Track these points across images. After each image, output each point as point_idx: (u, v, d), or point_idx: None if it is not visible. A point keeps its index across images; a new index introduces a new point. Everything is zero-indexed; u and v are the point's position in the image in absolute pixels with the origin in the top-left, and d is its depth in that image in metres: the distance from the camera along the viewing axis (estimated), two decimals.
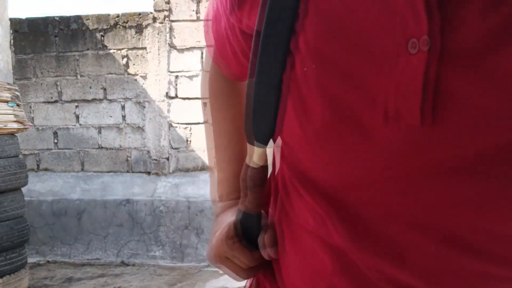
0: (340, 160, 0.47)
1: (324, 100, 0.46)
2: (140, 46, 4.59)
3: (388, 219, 0.45)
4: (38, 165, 4.81)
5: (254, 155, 0.62)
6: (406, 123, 0.41)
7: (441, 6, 0.38)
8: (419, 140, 0.41)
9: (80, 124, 4.72)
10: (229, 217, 0.70)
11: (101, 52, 4.65)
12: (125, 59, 4.61)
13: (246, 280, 0.72)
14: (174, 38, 4.52)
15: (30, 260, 4.22)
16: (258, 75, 0.51)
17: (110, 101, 4.66)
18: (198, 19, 4.49)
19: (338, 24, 0.44)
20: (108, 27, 4.63)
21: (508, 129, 0.38)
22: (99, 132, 4.69)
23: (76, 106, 4.72)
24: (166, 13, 4.52)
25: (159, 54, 4.55)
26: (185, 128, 4.56)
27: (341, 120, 0.45)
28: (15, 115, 3.25)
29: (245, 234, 0.66)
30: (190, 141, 4.56)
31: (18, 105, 3.31)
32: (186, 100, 4.54)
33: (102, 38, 4.64)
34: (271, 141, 0.60)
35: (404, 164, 0.43)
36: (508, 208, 0.40)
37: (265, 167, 0.63)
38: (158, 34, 4.54)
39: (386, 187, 0.44)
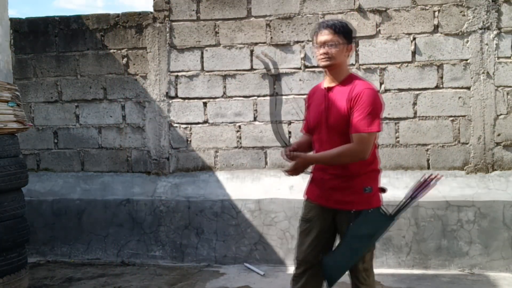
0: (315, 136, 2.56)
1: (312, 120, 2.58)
2: (140, 46, 4.59)
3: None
4: (38, 165, 4.81)
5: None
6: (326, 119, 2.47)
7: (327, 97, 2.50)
8: (327, 119, 2.44)
9: (80, 124, 4.72)
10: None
11: (101, 52, 4.65)
12: (125, 59, 4.61)
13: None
14: (174, 38, 4.52)
15: (30, 260, 4.22)
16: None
17: (110, 101, 4.66)
18: (198, 19, 4.49)
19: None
20: (108, 27, 4.63)
21: (333, 121, 2.41)
22: (99, 132, 4.69)
23: (76, 106, 4.72)
24: (166, 13, 4.52)
25: (159, 54, 4.55)
26: (185, 128, 4.56)
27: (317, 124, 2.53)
28: (15, 115, 3.24)
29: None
30: (190, 141, 4.56)
31: (18, 105, 3.31)
32: (186, 100, 4.54)
33: (102, 38, 4.64)
34: None
35: (323, 129, 2.46)
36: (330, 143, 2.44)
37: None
38: (158, 34, 4.54)
39: (319, 142, 2.53)
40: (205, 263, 4.31)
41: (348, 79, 2.44)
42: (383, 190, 2.46)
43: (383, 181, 2.52)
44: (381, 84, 4.23)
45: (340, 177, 2.40)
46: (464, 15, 4.13)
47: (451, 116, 4.18)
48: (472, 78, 4.14)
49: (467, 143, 4.17)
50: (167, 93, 4.55)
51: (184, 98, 4.54)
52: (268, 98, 4.40)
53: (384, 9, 4.22)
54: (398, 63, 4.22)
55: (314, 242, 2.50)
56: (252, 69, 4.42)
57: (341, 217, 2.42)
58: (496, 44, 4.10)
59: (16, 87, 3.39)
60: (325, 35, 2.40)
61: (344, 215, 2.40)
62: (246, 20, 4.42)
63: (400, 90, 4.23)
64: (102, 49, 4.65)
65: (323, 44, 2.40)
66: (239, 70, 4.44)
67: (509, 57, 4.10)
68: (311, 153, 2.56)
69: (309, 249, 2.51)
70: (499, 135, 4.13)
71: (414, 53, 4.20)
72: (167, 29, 4.51)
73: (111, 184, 4.61)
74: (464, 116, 4.17)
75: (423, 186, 2.35)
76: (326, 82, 2.49)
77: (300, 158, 2.42)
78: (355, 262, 2.41)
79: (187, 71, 4.52)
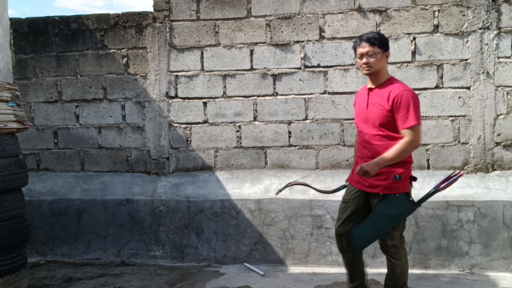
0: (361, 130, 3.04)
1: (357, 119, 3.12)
2: (140, 46, 4.59)
3: (359, 143, 3.06)
4: (38, 165, 4.81)
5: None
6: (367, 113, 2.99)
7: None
8: (367, 115, 2.96)
9: (80, 124, 4.72)
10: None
11: (101, 52, 4.65)
12: (125, 59, 4.61)
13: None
14: (174, 38, 4.52)
15: (30, 260, 4.22)
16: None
17: (110, 101, 4.66)
18: (198, 19, 4.49)
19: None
20: (108, 27, 4.63)
21: (371, 128, 2.92)
22: (99, 132, 4.69)
23: (76, 106, 4.72)
24: (166, 13, 4.52)
25: (159, 54, 4.55)
26: (185, 128, 4.56)
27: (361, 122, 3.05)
28: (15, 115, 3.24)
29: None
30: (190, 141, 4.56)
31: (18, 105, 3.31)
32: (186, 100, 4.54)
33: (102, 38, 4.64)
34: None
35: (364, 122, 2.99)
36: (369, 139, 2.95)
37: None
38: (158, 34, 4.54)
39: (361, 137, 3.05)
40: (205, 263, 4.31)
41: (387, 82, 2.89)
42: (414, 178, 2.89)
43: None
44: None
45: None
46: (464, 15, 4.13)
47: (451, 116, 4.19)
48: (472, 78, 4.14)
49: (467, 143, 4.17)
50: (167, 93, 4.55)
51: (184, 98, 4.54)
52: (268, 98, 4.41)
53: (384, 9, 4.22)
54: (398, 63, 4.22)
55: (347, 219, 3.03)
56: (252, 69, 4.42)
57: (373, 199, 2.90)
58: (496, 44, 4.10)
59: (16, 87, 3.39)
60: (364, 48, 2.85)
61: (375, 197, 2.86)
62: (246, 20, 4.42)
63: None
64: (102, 49, 4.65)
65: (363, 55, 2.86)
66: (239, 70, 4.44)
67: (509, 57, 4.10)
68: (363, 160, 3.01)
69: (342, 225, 3.05)
70: (499, 135, 4.13)
71: (414, 53, 4.20)
72: (167, 29, 4.51)
73: (111, 184, 4.61)
74: (464, 116, 4.17)
75: (447, 180, 2.78)
76: (369, 84, 2.97)
77: (364, 170, 2.75)
78: (378, 237, 2.90)
79: (187, 71, 4.52)
